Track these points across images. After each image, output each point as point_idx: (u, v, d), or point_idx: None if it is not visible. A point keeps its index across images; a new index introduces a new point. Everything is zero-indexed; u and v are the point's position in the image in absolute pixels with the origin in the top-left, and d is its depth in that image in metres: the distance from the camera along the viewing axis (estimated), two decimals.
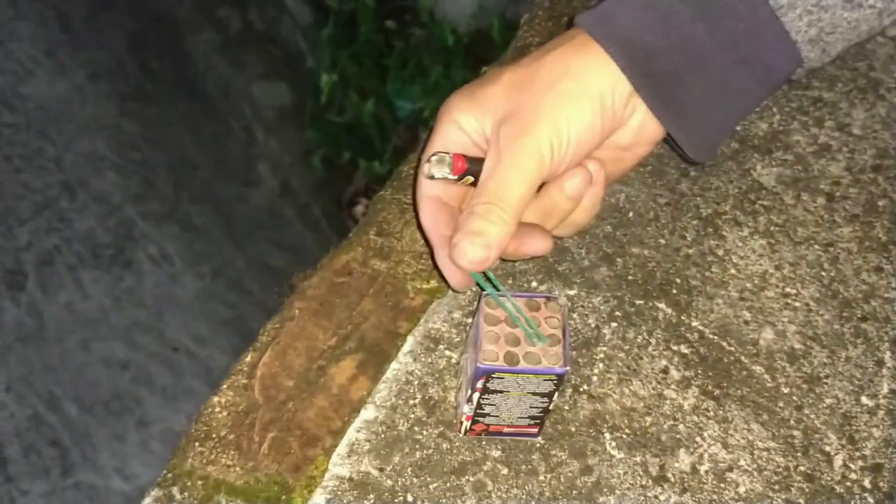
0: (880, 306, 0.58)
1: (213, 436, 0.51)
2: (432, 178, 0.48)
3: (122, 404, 2.12)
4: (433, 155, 0.48)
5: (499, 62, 0.73)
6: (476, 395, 0.46)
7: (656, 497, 0.49)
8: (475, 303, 0.56)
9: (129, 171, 2.37)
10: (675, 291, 0.58)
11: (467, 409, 0.48)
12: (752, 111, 0.65)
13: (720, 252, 0.60)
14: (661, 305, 0.57)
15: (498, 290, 0.47)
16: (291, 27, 2.48)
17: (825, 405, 0.54)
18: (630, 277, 0.58)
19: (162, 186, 2.35)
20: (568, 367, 0.44)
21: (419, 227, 0.54)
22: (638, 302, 0.57)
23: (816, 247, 0.61)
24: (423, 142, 0.66)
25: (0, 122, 2.50)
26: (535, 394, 0.46)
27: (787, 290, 0.58)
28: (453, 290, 0.56)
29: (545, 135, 0.46)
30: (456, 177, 0.48)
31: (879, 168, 0.66)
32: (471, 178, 0.48)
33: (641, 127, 0.51)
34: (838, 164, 0.66)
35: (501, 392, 0.46)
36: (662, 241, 0.60)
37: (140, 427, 2.06)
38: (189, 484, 0.50)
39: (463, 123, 0.50)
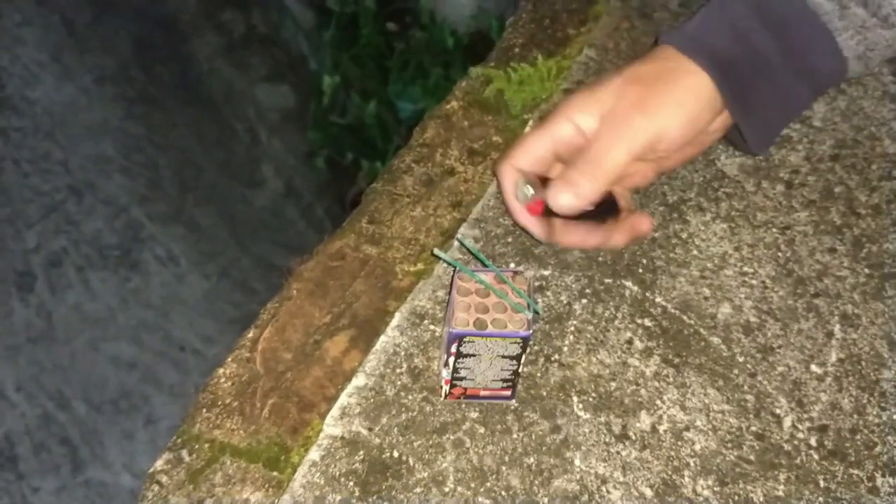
0: (832, 283, 0.64)
1: (219, 403, 0.58)
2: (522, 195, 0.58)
3: (130, 403, 2.17)
4: (525, 181, 0.58)
5: (484, 63, 0.79)
6: (452, 360, 0.52)
7: (618, 453, 0.55)
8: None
9: (135, 173, 2.42)
10: (640, 271, 0.64)
11: (446, 374, 0.54)
12: (803, 111, 0.72)
13: (684, 235, 0.66)
14: (628, 283, 0.63)
15: (485, 265, 0.54)
16: (294, 30, 2.54)
17: (777, 372, 0.59)
18: (600, 259, 0.64)
19: (168, 188, 2.41)
20: (531, 331, 0.51)
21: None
22: (607, 280, 0.63)
23: (774, 230, 0.67)
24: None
25: (7, 125, 2.55)
26: (504, 356, 0.52)
27: (745, 269, 0.64)
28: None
29: (659, 122, 0.56)
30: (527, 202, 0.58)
31: (837, 157, 0.72)
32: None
33: (719, 125, 0.61)
34: (798, 154, 0.72)
35: (474, 356, 0.52)
36: None
37: (148, 424, 2.12)
38: (197, 447, 0.56)
39: (577, 119, 0.57)
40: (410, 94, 2.31)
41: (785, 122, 0.65)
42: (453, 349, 0.52)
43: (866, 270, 0.65)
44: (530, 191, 0.57)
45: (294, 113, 2.57)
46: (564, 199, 0.56)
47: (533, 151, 0.59)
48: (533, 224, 0.60)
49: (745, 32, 0.57)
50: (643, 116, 0.55)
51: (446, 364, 0.53)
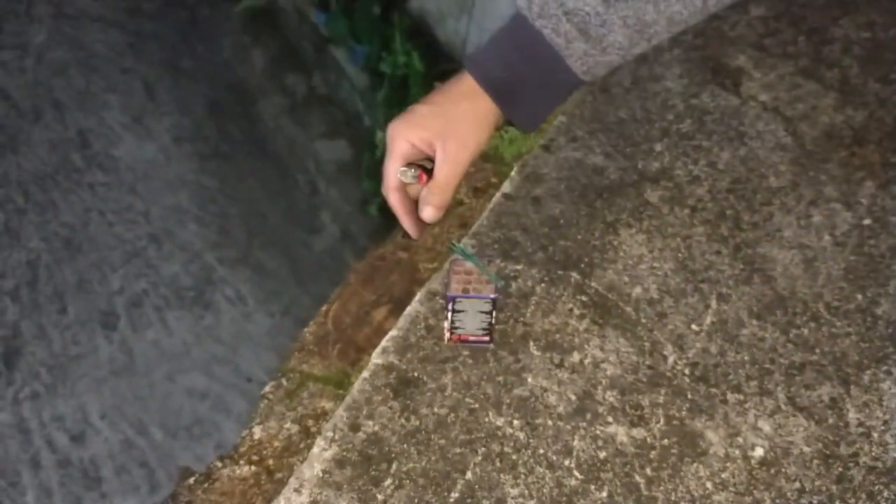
0: (714, 275, 1.02)
1: (305, 348, 0.97)
2: (405, 182, 0.93)
3: (202, 429, 2.52)
4: (405, 168, 0.92)
5: None
6: (450, 314, 0.92)
7: (556, 374, 0.93)
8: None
9: (207, 221, 2.84)
10: (583, 266, 1.02)
11: (446, 325, 0.93)
12: (558, 105, 1.03)
13: (615, 243, 1.04)
14: (573, 274, 1.01)
15: (468, 255, 0.93)
16: (350, 91, 2.96)
17: (668, 329, 0.97)
18: (556, 259, 1.03)
19: (237, 235, 2.82)
20: (497, 295, 0.90)
21: (390, 205, 0.94)
22: (559, 272, 1.02)
23: (678, 239, 1.05)
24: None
25: (95, 181, 2.99)
26: (481, 312, 0.91)
27: (654, 264, 1.02)
28: (413, 239, 0.98)
29: (473, 152, 0.92)
30: (417, 181, 0.93)
31: (732, 190, 1.10)
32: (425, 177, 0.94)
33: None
34: (703, 188, 1.10)
35: (463, 311, 0.91)
36: (580, 237, 1.05)
37: (218, 449, 2.47)
38: (291, 376, 0.96)
39: (413, 140, 0.91)
40: None
41: (544, 117, 0.94)
42: (450, 307, 0.91)
43: (741, 266, 1.02)
44: (412, 171, 0.89)
45: (350, 165, 2.97)
46: (430, 213, 0.89)
47: (393, 175, 0.90)
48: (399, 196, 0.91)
49: (511, 64, 0.87)
50: (465, 151, 0.89)
51: (447, 318, 0.93)
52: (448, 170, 0.91)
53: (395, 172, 0.90)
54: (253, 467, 0.91)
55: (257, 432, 0.94)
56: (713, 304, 0.99)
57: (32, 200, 2.95)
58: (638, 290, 1.00)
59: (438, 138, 0.90)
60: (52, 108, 3.14)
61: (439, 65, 2.72)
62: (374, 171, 2.81)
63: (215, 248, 2.81)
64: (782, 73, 1.23)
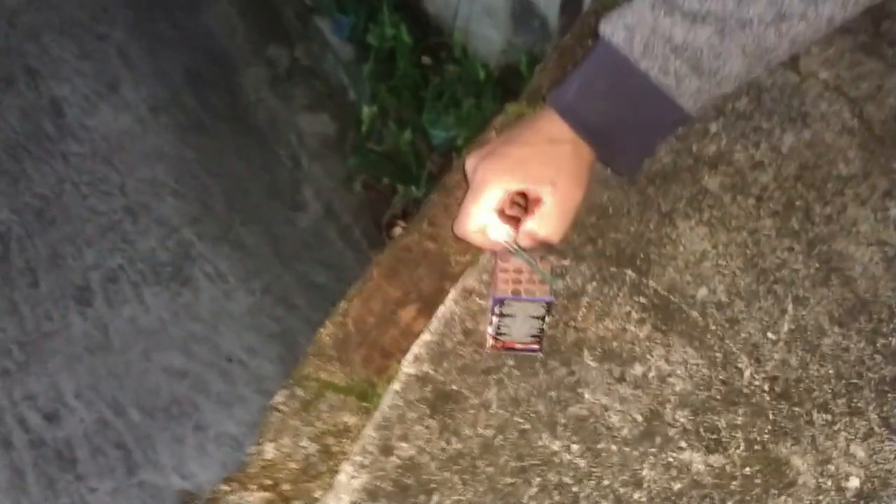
0: (788, 274, 0.86)
1: (322, 353, 0.80)
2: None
3: (180, 410, 2.36)
4: (509, 231, 0.76)
5: (517, 101, 1.02)
6: (495, 319, 0.75)
7: (617, 390, 0.77)
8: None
9: (186, 195, 2.65)
10: (638, 262, 0.86)
11: (490, 330, 0.76)
12: (658, 147, 0.94)
13: (673, 236, 0.88)
14: (628, 271, 0.85)
15: (515, 249, 0.76)
16: (335, 63, 2.77)
17: (741, 338, 0.81)
18: (607, 253, 0.86)
19: (216, 210, 2.63)
20: (553, 298, 0.73)
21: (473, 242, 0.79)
22: (612, 269, 0.85)
23: (744, 233, 0.89)
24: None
25: (68, 151, 2.79)
26: (533, 317, 0.74)
27: (720, 262, 0.86)
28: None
29: (580, 203, 0.78)
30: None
31: (800, 177, 0.94)
32: None
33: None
34: (767, 174, 0.94)
35: (511, 316, 0.74)
36: (632, 229, 0.88)
37: (197, 430, 2.31)
38: (306, 385, 0.79)
39: (513, 189, 0.77)
40: (444, 123, 2.49)
41: (643, 160, 0.85)
42: (496, 310, 0.74)
43: (816, 265, 0.87)
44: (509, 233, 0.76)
45: (334, 140, 2.79)
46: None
47: (477, 220, 0.76)
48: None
49: (610, 109, 0.76)
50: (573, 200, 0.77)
51: (491, 323, 0.76)
52: (555, 225, 0.76)
53: (481, 219, 0.76)
54: (266, 493, 0.74)
55: (269, 451, 0.77)
56: (790, 308, 0.83)
57: (3, 170, 2.75)
58: (703, 291, 0.84)
59: (545, 188, 0.76)
60: (25, 74, 2.92)
61: (428, 38, 2.56)
62: (359, 147, 2.65)
63: (194, 223, 2.63)
64: (841, 48, 1.07)
